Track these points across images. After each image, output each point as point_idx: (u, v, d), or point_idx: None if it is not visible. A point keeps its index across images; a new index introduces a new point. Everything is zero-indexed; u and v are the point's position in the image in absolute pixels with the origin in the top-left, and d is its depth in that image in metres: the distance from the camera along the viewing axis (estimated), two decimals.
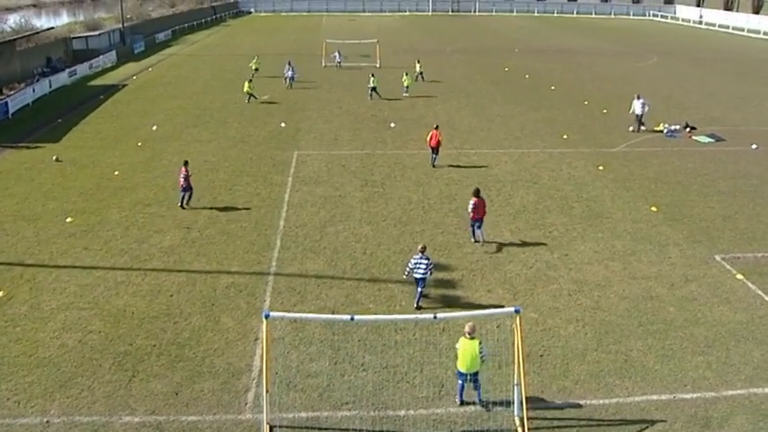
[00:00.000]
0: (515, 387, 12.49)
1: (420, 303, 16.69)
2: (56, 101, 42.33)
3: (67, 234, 21.04)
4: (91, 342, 15.07)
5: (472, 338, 12.72)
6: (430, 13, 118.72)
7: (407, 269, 16.60)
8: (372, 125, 35.33)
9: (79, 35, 65.23)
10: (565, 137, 33.19)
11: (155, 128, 34.50)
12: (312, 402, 13.13)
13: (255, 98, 40.85)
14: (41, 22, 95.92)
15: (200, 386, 13.59)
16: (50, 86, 45.01)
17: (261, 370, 13.50)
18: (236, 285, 17.81)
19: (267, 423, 12.28)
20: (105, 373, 13.97)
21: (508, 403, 12.82)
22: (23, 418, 12.60)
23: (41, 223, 21.86)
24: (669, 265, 19.27)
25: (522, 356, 12.09)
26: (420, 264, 16.28)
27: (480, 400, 13.12)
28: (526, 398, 12.27)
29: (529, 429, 12.22)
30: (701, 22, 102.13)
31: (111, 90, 45.67)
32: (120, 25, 71.18)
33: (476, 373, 12.86)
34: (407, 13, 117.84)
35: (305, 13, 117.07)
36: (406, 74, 44.19)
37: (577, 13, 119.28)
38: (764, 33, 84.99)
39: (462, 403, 13.13)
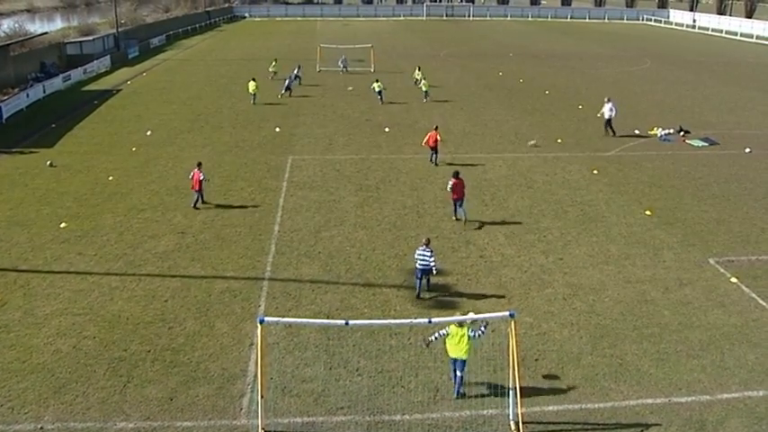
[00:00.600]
0: (510, 391, 12.51)
1: (420, 294, 17.36)
2: (50, 106, 42.26)
3: (62, 239, 20.99)
4: (85, 348, 15.03)
5: (461, 325, 13.01)
6: (424, 18, 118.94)
7: (415, 259, 17.34)
8: (367, 130, 35.37)
9: (73, 40, 65.26)
10: (559, 141, 33.29)
11: (149, 133, 34.46)
12: (307, 407, 13.11)
13: (286, 91, 42.07)
14: (35, 26, 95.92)
15: (195, 391, 13.57)
16: (44, 91, 44.92)
17: (256, 375, 13.48)
18: (231, 290, 17.79)
19: (262, 428, 12.27)
20: (100, 378, 13.93)
21: (503, 407, 12.84)
22: (17, 424, 12.55)
23: (35, 229, 21.81)
24: (663, 268, 19.34)
25: (516, 361, 12.11)
26: (422, 255, 16.94)
27: (458, 392, 13.30)
28: (521, 402, 12.28)
29: None
30: (694, 27, 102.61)
31: (106, 95, 45.61)
32: (115, 30, 71.21)
33: (463, 362, 13.12)
34: (402, 18, 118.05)
35: (299, 18, 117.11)
36: (425, 79, 44.36)
37: (571, 18, 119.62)
38: (757, 38, 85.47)
39: (459, 396, 13.33)
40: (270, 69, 51.11)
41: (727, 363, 14.73)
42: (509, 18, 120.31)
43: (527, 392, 13.28)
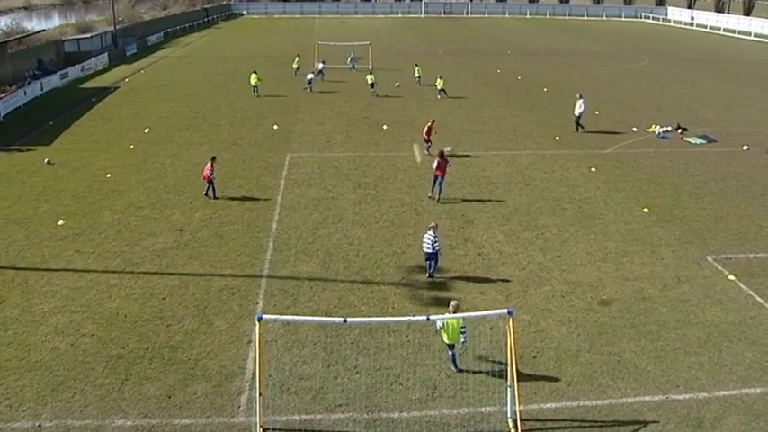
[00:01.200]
0: (508, 389, 12.52)
1: (432, 273, 18.38)
2: (47, 103, 42.18)
3: (59, 237, 20.97)
4: (83, 345, 15.02)
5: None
6: (422, 16, 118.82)
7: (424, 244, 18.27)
8: (365, 127, 35.35)
9: (71, 38, 65.07)
10: (557, 138, 33.29)
11: (147, 130, 34.41)
12: (305, 405, 13.12)
13: (309, 85, 43.69)
14: (32, 24, 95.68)
15: (193, 389, 13.56)
16: (42, 89, 44.85)
17: (254, 373, 13.49)
18: (229, 288, 17.78)
19: (260, 426, 12.27)
20: (98, 376, 13.92)
21: (501, 404, 12.86)
22: (15, 422, 12.54)
23: (33, 226, 21.78)
24: (661, 266, 19.35)
25: (514, 358, 12.11)
26: (426, 240, 17.94)
27: (456, 365, 14.18)
28: (519, 399, 12.30)
29: (522, 431, 12.25)
30: (692, 24, 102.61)
31: (103, 93, 45.54)
32: (112, 28, 71.02)
33: (452, 345, 13.91)
34: (399, 15, 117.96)
35: (297, 16, 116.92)
36: (440, 77, 44.35)
37: (569, 15, 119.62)
38: (755, 35, 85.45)
39: (459, 371, 14.13)
40: (293, 66, 52.31)
41: (725, 360, 14.75)
42: (507, 15, 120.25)
43: (525, 390, 13.31)
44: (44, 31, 69.71)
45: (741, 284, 18.22)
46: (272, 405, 12.92)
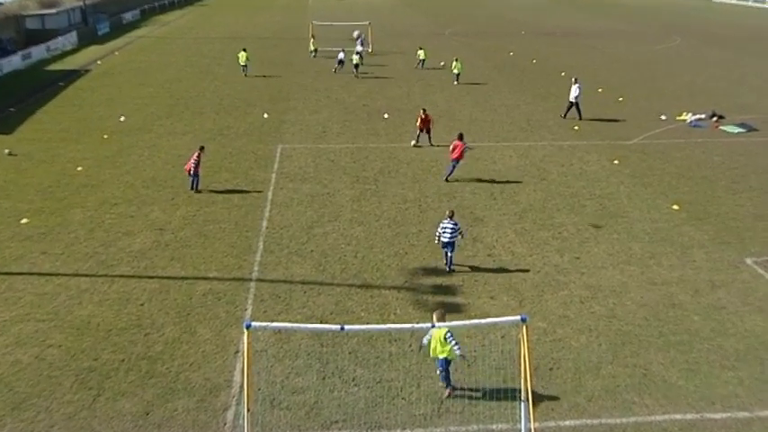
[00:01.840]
0: (522, 403, 12.53)
1: (452, 267, 18.90)
2: (7, 87, 42.25)
3: (23, 237, 21.00)
4: (49, 357, 15.04)
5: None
6: None
7: (436, 234, 18.78)
8: (364, 116, 35.40)
9: (33, 13, 64.78)
10: (576, 128, 33.33)
11: (122, 119, 34.47)
12: (298, 421, 13.15)
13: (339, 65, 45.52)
14: None
15: (174, 405, 13.59)
16: (1, 71, 44.82)
17: (241, 386, 13.53)
18: (215, 292, 17.82)
19: None
20: (66, 392, 13.94)
21: (515, 421, 12.88)
22: None
23: None
24: (693, 269, 19.37)
25: (529, 370, 12.13)
26: (446, 228, 18.42)
27: (449, 384, 13.85)
28: (534, 416, 12.32)
29: None
30: None
31: (73, 76, 45.61)
32: (82, 3, 70.93)
33: (444, 360, 13.59)
34: None
35: None
36: (456, 60, 44.44)
37: None
38: None
39: (454, 388, 13.92)
40: (310, 48, 53.30)
41: None
42: None
43: (541, 405, 13.34)
44: (2, 4, 69.52)
45: None
46: (262, 422, 12.94)
